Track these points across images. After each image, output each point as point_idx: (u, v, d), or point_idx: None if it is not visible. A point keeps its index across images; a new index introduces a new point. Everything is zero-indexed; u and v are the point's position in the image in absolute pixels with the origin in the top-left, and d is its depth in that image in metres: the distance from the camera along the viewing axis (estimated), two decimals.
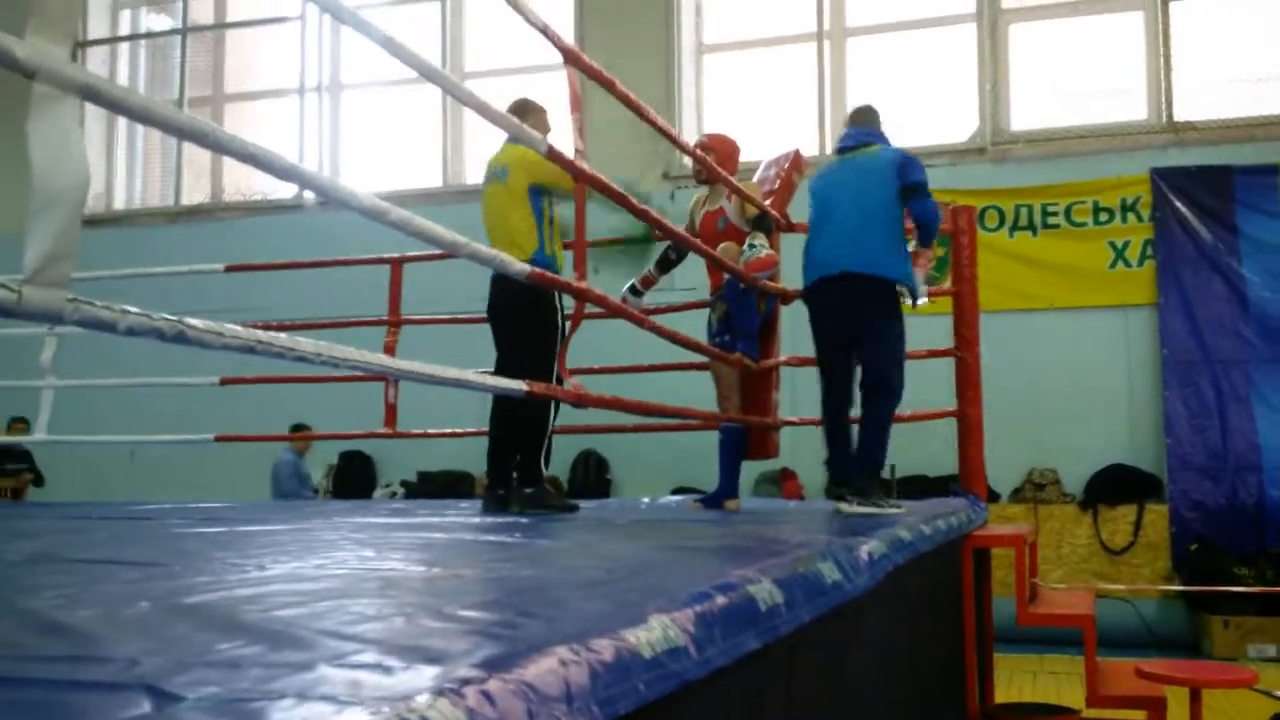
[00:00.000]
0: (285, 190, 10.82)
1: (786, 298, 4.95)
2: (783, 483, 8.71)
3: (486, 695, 0.99)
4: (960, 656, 4.56)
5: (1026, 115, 9.33)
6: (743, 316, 4.76)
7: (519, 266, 2.81)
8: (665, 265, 5.25)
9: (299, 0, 10.99)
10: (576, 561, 2.35)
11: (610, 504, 5.95)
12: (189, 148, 10.89)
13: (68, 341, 5.73)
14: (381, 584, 1.90)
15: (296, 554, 2.49)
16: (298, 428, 8.59)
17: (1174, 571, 8.32)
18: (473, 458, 9.36)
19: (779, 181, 5.22)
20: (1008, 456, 8.28)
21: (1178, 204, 8.67)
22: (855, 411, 4.43)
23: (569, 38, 3.49)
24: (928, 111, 9.52)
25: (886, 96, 9.66)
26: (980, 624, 4.81)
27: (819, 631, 2.12)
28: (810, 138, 9.53)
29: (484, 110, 2.75)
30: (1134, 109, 9.08)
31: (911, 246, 4.49)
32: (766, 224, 4.78)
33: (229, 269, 6.32)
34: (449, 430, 6.27)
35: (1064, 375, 8.76)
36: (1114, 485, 8.55)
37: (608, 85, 3.54)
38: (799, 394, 7.01)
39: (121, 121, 11.30)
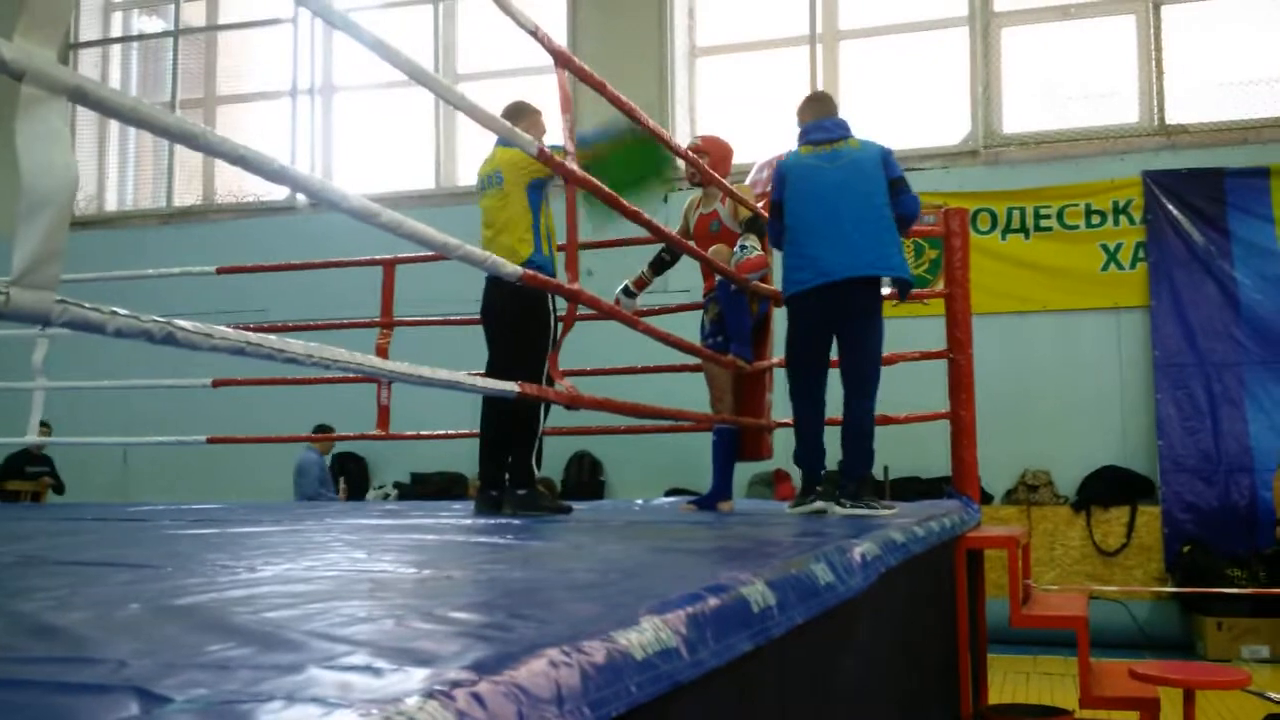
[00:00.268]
0: (277, 192, 10.81)
1: (778, 300, 4.94)
2: (776, 484, 8.67)
3: (477, 697, 0.99)
4: (954, 658, 4.57)
5: (1019, 118, 9.35)
6: (736, 318, 4.76)
7: (511, 268, 2.81)
8: (659, 267, 5.26)
9: (291, 3, 10.97)
10: (568, 563, 2.35)
11: (603, 505, 5.95)
12: (181, 150, 10.88)
13: (61, 343, 5.72)
14: (372, 586, 1.90)
15: (288, 555, 2.49)
16: (321, 429, 8.56)
17: (1167, 573, 8.34)
18: (466, 459, 9.37)
19: (771, 184, 5.23)
20: (1001, 458, 8.30)
21: (1169, 206, 8.69)
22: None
23: (561, 40, 3.49)
24: (920, 114, 9.54)
25: (879, 99, 9.71)
26: (974, 625, 4.82)
27: (812, 633, 2.11)
28: None
29: (474, 113, 2.75)
30: (1126, 112, 9.10)
31: None
32: (759, 226, 4.79)
33: (221, 271, 6.32)
34: (442, 432, 6.27)
35: (1056, 377, 8.78)
36: (1107, 487, 8.57)
37: (599, 88, 3.55)
38: None
39: (113, 123, 11.27)
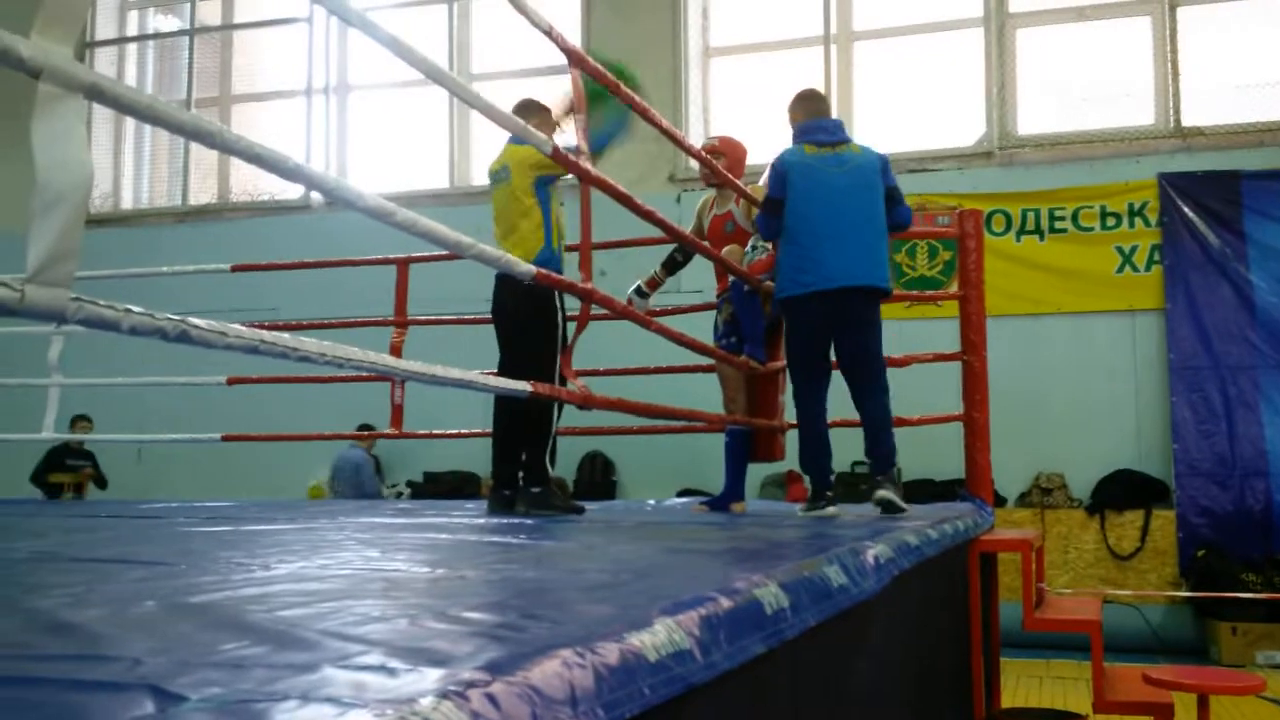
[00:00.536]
0: (292, 191, 10.84)
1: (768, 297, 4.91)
2: (788, 485, 8.68)
3: (490, 698, 0.99)
4: (966, 661, 4.55)
5: (1034, 119, 9.32)
6: (749, 319, 4.76)
7: (525, 268, 2.81)
8: (672, 267, 5.26)
9: (306, 2, 11.00)
10: (581, 563, 2.35)
11: (616, 506, 5.95)
12: (196, 148, 10.92)
13: (76, 340, 5.74)
14: (386, 585, 1.90)
15: (302, 554, 2.49)
16: (364, 427, 8.57)
17: (1181, 577, 8.29)
18: (479, 458, 9.37)
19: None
20: (1014, 461, 8.27)
21: (1185, 209, 8.65)
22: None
23: (575, 40, 3.49)
24: (935, 115, 9.52)
25: (893, 100, 9.69)
26: (987, 628, 4.80)
27: (825, 636, 2.11)
28: None
29: (490, 111, 2.75)
30: (1141, 114, 9.06)
31: None
32: None
33: (235, 269, 6.33)
34: (455, 431, 6.27)
35: (1071, 380, 8.75)
36: (1121, 490, 8.53)
37: (613, 88, 3.55)
38: None
39: (129, 122, 11.32)
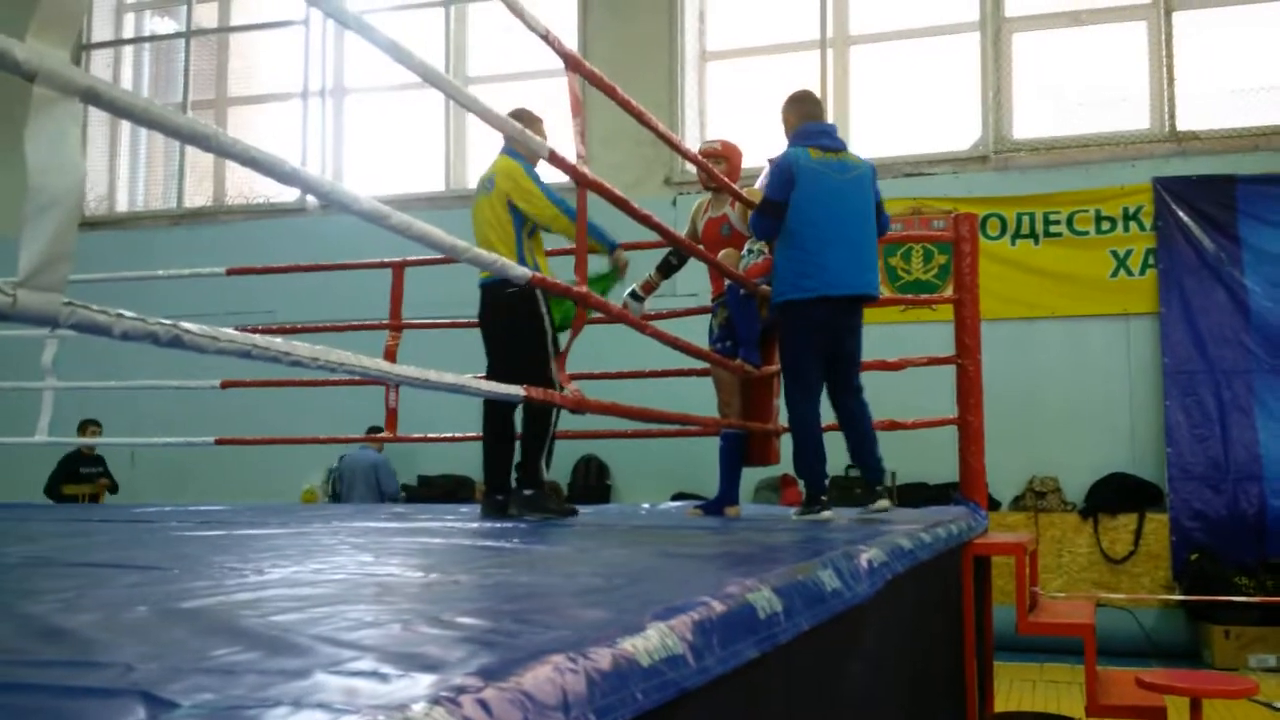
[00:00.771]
0: (287, 194, 10.83)
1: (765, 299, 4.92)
2: (783, 489, 8.69)
3: (483, 704, 0.99)
4: (960, 665, 4.55)
5: (1029, 123, 9.33)
6: (745, 323, 4.76)
7: (519, 271, 2.81)
8: (666, 270, 5.25)
9: (303, 4, 10.99)
10: (574, 568, 2.35)
11: (610, 509, 5.94)
12: (192, 151, 10.91)
13: (70, 343, 5.73)
14: (379, 590, 1.90)
15: (295, 558, 2.49)
16: (374, 430, 8.56)
17: (1174, 581, 8.30)
18: (473, 462, 9.33)
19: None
20: (1008, 464, 8.27)
21: (1180, 213, 8.66)
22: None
23: (572, 44, 3.49)
24: (930, 119, 9.53)
25: (889, 104, 9.70)
26: (980, 632, 4.80)
27: (818, 640, 2.11)
28: None
29: (486, 115, 2.75)
30: (1137, 118, 9.08)
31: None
32: None
33: (231, 272, 6.32)
34: (449, 435, 6.27)
35: (1065, 384, 8.76)
36: (1115, 494, 8.54)
37: (609, 91, 3.55)
38: None
39: (125, 124, 11.30)
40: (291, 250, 8.48)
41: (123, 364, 7.25)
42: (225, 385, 6.09)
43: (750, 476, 7.44)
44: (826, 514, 4.28)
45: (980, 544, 4.74)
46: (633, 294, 5.19)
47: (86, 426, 9.02)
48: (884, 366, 5.40)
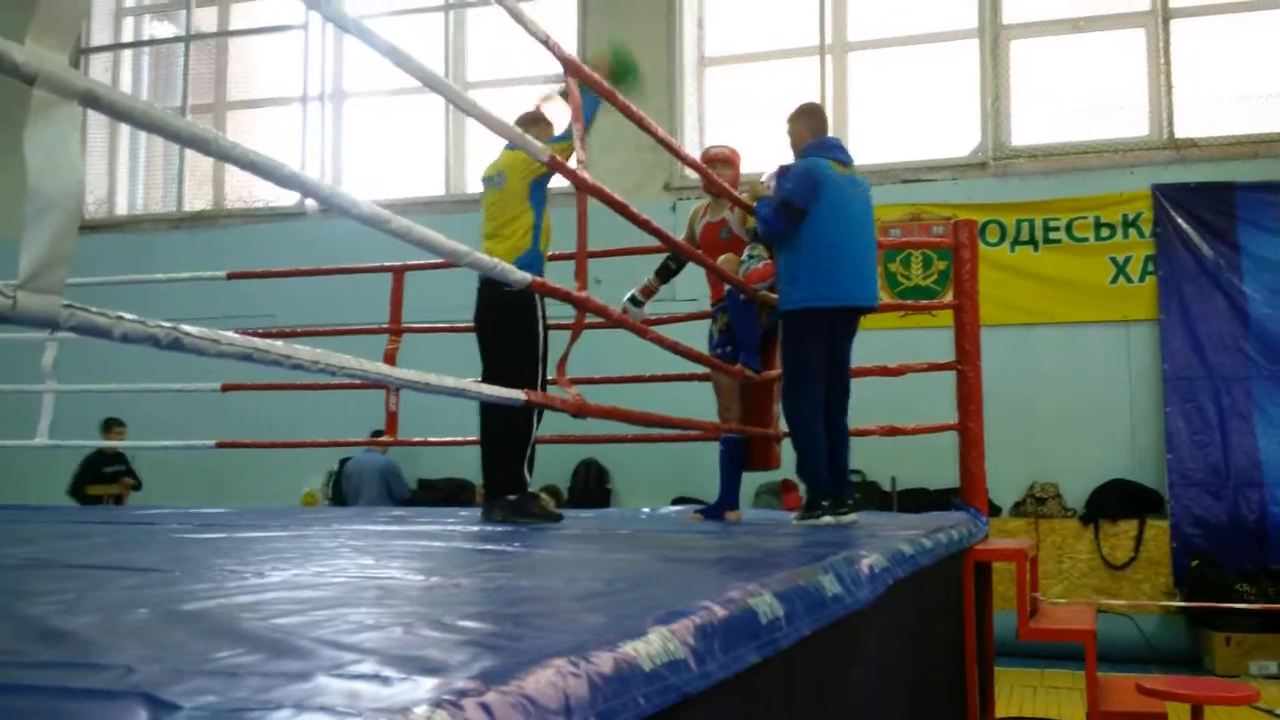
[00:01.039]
0: (287, 198, 10.83)
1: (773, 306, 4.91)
2: (783, 494, 8.67)
3: (485, 707, 0.98)
4: (961, 670, 4.55)
5: (1028, 130, 9.34)
6: (744, 328, 4.76)
7: (519, 275, 2.80)
8: (665, 275, 5.26)
9: (302, 8, 11.00)
10: (575, 572, 2.35)
11: (610, 514, 5.94)
12: (191, 155, 10.91)
13: (70, 346, 5.72)
14: (380, 593, 1.90)
15: (296, 561, 2.48)
16: (378, 433, 8.55)
17: (1175, 587, 8.30)
18: (473, 466, 9.32)
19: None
20: (1009, 470, 8.26)
21: (1179, 220, 8.67)
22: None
23: (571, 49, 3.50)
24: (929, 126, 9.53)
25: (888, 111, 9.71)
26: (981, 638, 4.80)
27: (819, 645, 2.10)
28: None
29: (486, 119, 2.75)
30: (1136, 125, 9.08)
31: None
32: None
33: (231, 276, 6.32)
34: (449, 438, 6.27)
35: (1065, 390, 8.76)
36: (1115, 500, 8.53)
37: (608, 96, 3.55)
38: None
39: (124, 127, 11.30)
40: (291, 254, 8.49)
41: (121, 367, 7.25)
42: (226, 389, 6.09)
43: (750, 481, 7.43)
44: (828, 519, 4.28)
45: (981, 550, 4.74)
46: (632, 299, 5.19)
47: (111, 426, 8.95)
48: (884, 372, 5.40)
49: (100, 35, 11.92)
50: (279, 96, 11.49)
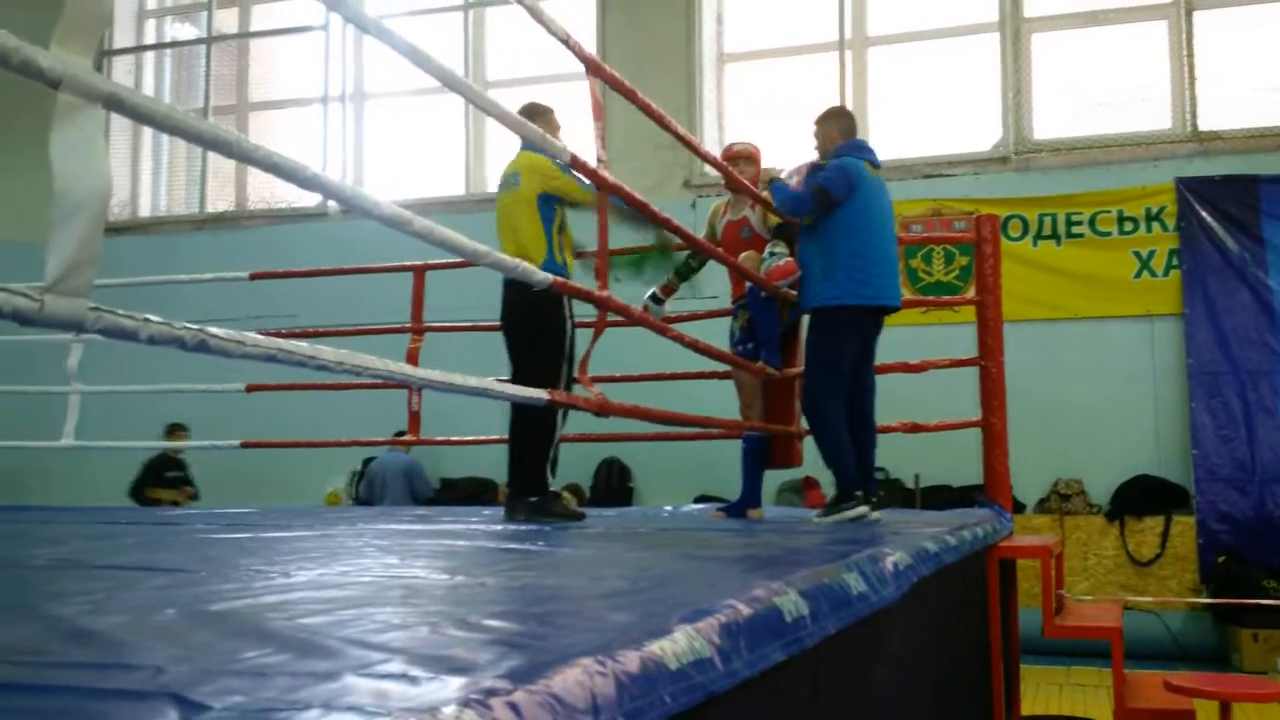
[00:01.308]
0: (309, 199, 10.87)
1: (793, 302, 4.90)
2: (805, 491, 8.67)
3: (513, 706, 0.98)
4: (986, 668, 4.53)
5: (1050, 124, 9.28)
6: (766, 325, 4.75)
7: (541, 275, 2.80)
8: (685, 273, 5.25)
9: (323, 10, 11.04)
10: (600, 571, 2.35)
11: (632, 512, 5.94)
12: (214, 156, 10.96)
13: (95, 347, 5.76)
14: (405, 592, 1.90)
15: (321, 561, 2.49)
16: (401, 433, 8.58)
17: (1202, 584, 8.24)
18: (495, 465, 9.37)
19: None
20: (1033, 467, 8.22)
21: (1203, 213, 8.60)
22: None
23: (590, 47, 3.49)
24: (950, 121, 9.49)
25: (908, 106, 9.67)
26: (1006, 635, 4.78)
27: (844, 643, 2.10)
28: None
29: (506, 119, 2.75)
30: (1158, 118, 9.02)
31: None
32: (788, 232, 4.77)
33: (253, 277, 6.35)
34: (471, 437, 6.28)
35: (1089, 385, 8.70)
36: (1140, 496, 8.47)
37: (629, 95, 3.55)
38: None
39: (147, 130, 11.36)
40: (313, 254, 8.52)
41: (147, 367, 7.30)
42: (250, 389, 6.12)
43: (772, 479, 7.41)
44: (862, 509, 4.28)
45: (1005, 547, 4.71)
46: (653, 297, 5.19)
47: (174, 430, 8.99)
48: (906, 369, 5.38)
49: (123, 38, 11.99)
50: (300, 97, 11.54)
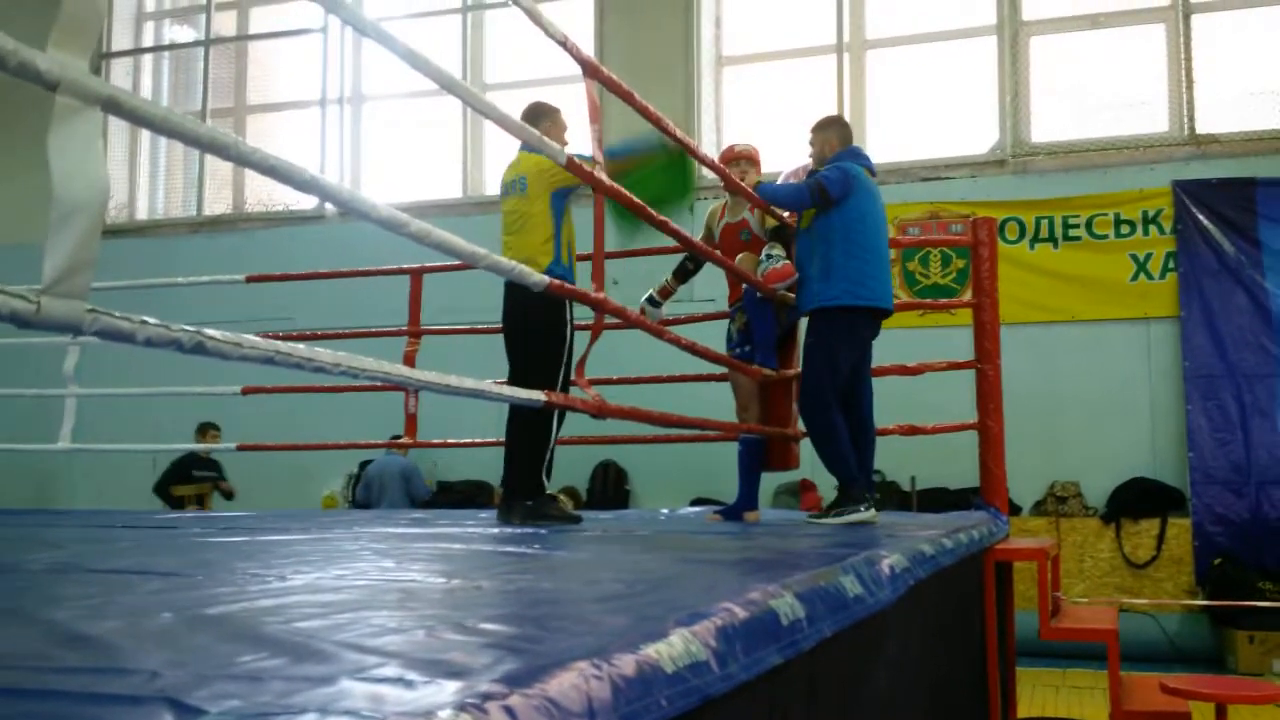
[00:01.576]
0: (306, 201, 10.87)
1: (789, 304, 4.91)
2: (802, 494, 8.67)
3: (509, 710, 0.98)
4: (982, 670, 4.53)
5: (1047, 127, 9.29)
6: (762, 327, 4.75)
7: (537, 277, 2.80)
8: (683, 275, 5.25)
9: (321, 12, 11.04)
10: (596, 574, 2.34)
11: (629, 515, 5.94)
12: (211, 159, 10.95)
13: (92, 350, 5.76)
14: (401, 595, 1.90)
15: (317, 564, 2.49)
16: (398, 436, 8.56)
17: (1198, 586, 8.25)
18: (491, 467, 9.37)
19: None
20: (1029, 469, 8.23)
21: (1200, 216, 8.61)
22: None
23: (588, 50, 3.49)
24: (948, 123, 9.50)
25: (906, 109, 9.68)
26: (1002, 638, 4.78)
27: (841, 646, 2.10)
28: None
29: (504, 121, 2.75)
30: (1155, 121, 9.03)
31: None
32: (786, 235, 4.78)
33: (250, 279, 6.34)
34: (468, 440, 6.28)
35: (1085, 388, 8.71)
36: (1137, 499, 8.48)
37: (626, 97, 3.55)
38: None
39: (145, 132, 11.36)
40: (310, 257, 8.52)
41: (143, 370, 7.28)
42: (246, 392, 6.11)
43: (769, 481, 7.42)
44: (871, 513, 4.31)
45: (1002, 549, 4.72)
46: (650, 300, 5.19)
47: (207, 430, 8.97)
48: (903, 371, 5.39)
49: (121, 40, 11.99)
50: (298, 100, 11.54)
